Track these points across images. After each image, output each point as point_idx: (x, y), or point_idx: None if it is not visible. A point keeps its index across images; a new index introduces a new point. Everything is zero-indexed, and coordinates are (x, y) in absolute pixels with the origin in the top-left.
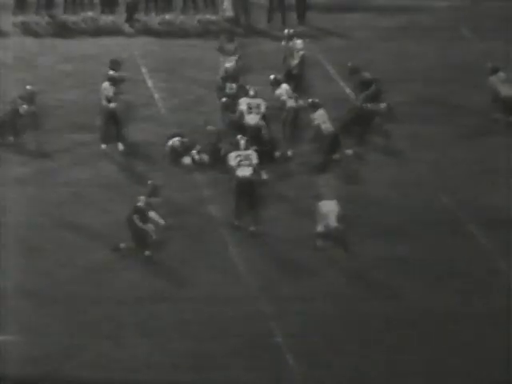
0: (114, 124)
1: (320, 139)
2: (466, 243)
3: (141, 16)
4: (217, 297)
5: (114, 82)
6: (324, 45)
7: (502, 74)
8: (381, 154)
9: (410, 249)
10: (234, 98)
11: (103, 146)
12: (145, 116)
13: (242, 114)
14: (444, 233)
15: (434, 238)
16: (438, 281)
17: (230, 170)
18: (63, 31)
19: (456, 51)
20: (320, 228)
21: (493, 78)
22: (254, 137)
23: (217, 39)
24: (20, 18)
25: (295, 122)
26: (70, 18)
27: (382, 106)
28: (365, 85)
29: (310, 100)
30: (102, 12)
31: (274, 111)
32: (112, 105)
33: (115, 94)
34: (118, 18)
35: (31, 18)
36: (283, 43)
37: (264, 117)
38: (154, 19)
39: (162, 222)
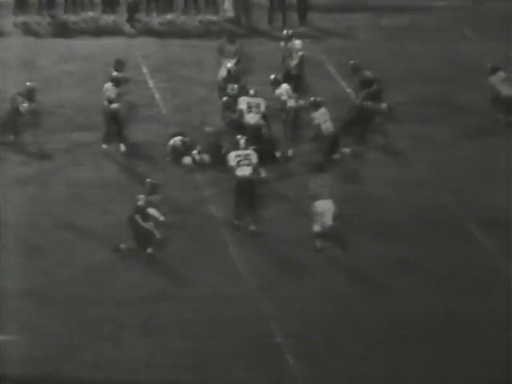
0: (115, 125)
1: (320, 139)
2: (466, 243)
3: (142, 16)
4: (217, 296)
5: (116, 82)
6: (325, 45)
7: (501, 74)
8: (381, 154)
9: (409, 249)
10: (235, 99)
11: (104, 147)
12: (146, 116)
13: (241, 113)
14: (444, 233)
15: (434, 238)
16: (438, 281)
17: (230, 170)
18: (64, 31)
19: (457, 51)
20: (317, 228)
21: (493, 78)
22: (254, 136)
23: (218, 39)
24: (21, 18)
25: (296, 121)
26: (71, 18)
27: (383, 105)
28: (366, 83)
29: (311, 98)
30: (103, 12)
31: (275, 111)
32: (114, 105)
33: (118, 94)
34: (119, 18)
35: (32, 18)
36: (282, 44)
37: (264, 116)
38: (155, 19)
39: (161, 218)
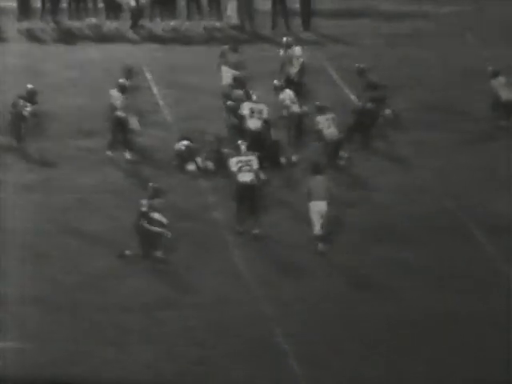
0: (121, 132)
1: (322, 144)
2: (467, 244)
3: (146, 22)
4: (220, 301)
5: (123, 89)
6: (329, 51)
7: (501, 78)
8: (384, 160)
9: (410, 250)
10: (239, 104)
11: (109, 153)
12: (150, 122)
13: (243, 119)
14: (445, 236)
15: (435, 240)
16: (438, 281)
17: (231, 176)
18: (68, 37)
19: (460, 57)
20: (317, 231)
21: (493, 82)
22: (255, 141)
23: (222, 46)
24: (25, 25)
25: (300, 127)
26: (75, 25)
27: (387, 112)
28: (371, 87)
29: (317, 103)
30: (107, 18)
31: (277, 118)
32: (119, 112)
33: (125, 100)
34: (123, 24)
35: (36, 24)
36: (281, 51)
37: (266, 122)
38: (159, 26)
39: (164, 220)
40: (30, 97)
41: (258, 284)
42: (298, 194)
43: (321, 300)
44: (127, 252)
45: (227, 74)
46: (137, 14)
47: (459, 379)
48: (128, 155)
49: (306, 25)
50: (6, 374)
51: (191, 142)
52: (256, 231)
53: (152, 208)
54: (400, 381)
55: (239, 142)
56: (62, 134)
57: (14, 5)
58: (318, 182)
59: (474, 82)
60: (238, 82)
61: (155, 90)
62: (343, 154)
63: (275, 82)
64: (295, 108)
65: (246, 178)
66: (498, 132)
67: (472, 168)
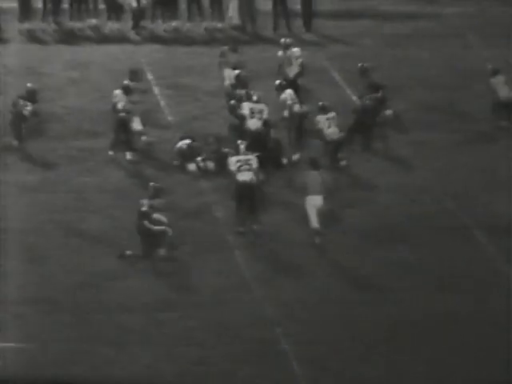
0: (123, 132)
1: (323, 143)
2: (466, 244)
3: (147, 23)
4: (221, 302)
5: (126, 90)
6: (330, 51)
7: (501, 77)
8: (384, 160)
9: (410, 250)
10: (240, 104)
11: (110, 153)
12: (151, 123)
13: (243, 119)
14: (445, 236)
15: (434, 240)
16: (438, 281)
17: (231, 175)
18: (69, 38)
19: (460, 58)
20: (314, 224)
21: (493, 80)
22: (255, 141)
23: (222, 47)
24: (26, 25)
25: (301, 127)
26: (76, 25)
27: (388, 112)
28: (372, 87)
29: (320, 103)
30: (108, 19)
31: (281, 120)
32: (122, 114)
33: (129, 102)
34: (124, 25)
35: (37, 25)
36: (280, 52)
37: (267, 122)
38: (161, 26)
39: (164, 219)
40: (30, 96)
41: (258, 284)
42: (300, 195)
43: (321, 300)
44: (128, 252)
45: (229, 75)
46: (138, 14)
47: (459, 379)
48: (129, 155)
49: (308, 26)
50: (5, 374)
51: (193, 140)
52: (255, 227)
53: (153, 208)
54: (400, 381)
55: (238, 141)
56: (62, 134)
57: (15, 5)
58: (314, 176)
59: (474, 82)
60: (241, 82)
61: (156, 90)
62: (341, 154)
63: (277, 81)
64: (296, 108)
65: (245, 177)
66: (498, 132)
67: (472, 168)
